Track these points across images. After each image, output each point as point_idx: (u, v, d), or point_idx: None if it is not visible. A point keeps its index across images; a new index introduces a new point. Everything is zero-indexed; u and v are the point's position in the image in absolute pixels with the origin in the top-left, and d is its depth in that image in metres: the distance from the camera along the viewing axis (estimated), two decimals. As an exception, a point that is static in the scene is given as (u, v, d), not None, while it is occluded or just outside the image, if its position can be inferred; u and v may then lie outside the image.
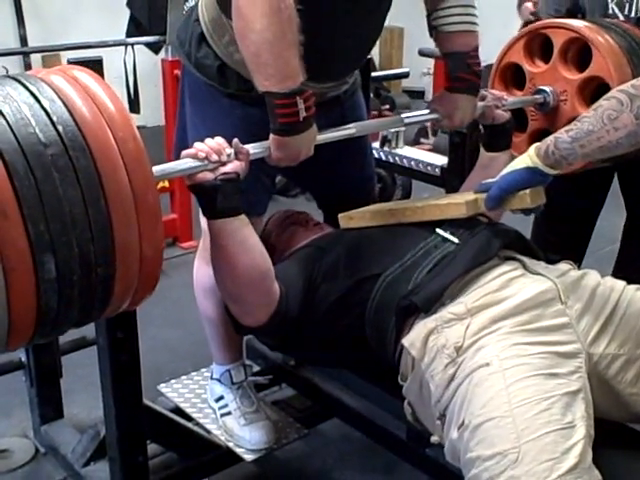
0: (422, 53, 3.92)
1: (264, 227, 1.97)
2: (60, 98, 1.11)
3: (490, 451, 1.30)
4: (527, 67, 2.13)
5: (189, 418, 2.12)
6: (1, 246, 1.01)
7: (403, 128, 2.70)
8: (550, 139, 1.49)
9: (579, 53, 2.04)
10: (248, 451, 2.01)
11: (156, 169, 1.33)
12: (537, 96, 2.08)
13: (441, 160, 2.45)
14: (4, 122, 1.06)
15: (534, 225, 2.48)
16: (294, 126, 1.55)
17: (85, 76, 1.18)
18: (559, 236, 2.41)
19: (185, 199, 3.78)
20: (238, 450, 2.01)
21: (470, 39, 1.87)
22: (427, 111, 1.95)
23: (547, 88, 2.06)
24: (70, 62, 1.63)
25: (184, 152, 1.45)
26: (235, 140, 1.47)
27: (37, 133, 1.06)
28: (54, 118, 1.08)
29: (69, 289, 1.09)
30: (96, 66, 1.66)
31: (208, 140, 1.45)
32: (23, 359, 2.23)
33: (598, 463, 1.31)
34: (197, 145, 1.44)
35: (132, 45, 4.00)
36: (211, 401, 2.11)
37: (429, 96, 6.15)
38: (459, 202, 1.66)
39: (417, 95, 6.69)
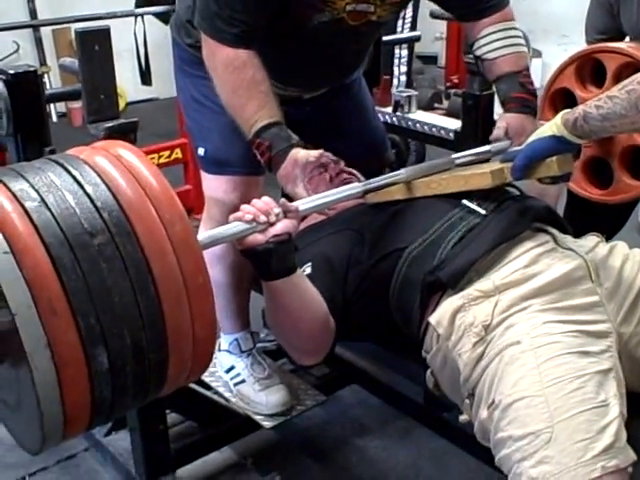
0: (433, 15, 3.84)
1: None
2: (104, 181, 1.08)
3: (522, 431, 1.27)
4: (579, 93, 2.03)
5: (208, 387, 2.14)
6: (52, 342, 0.99)
7: (415, 92, 2.68)
8: (579, 112, 1.43)
9: None
10: (267, 418, 2.03)
11: (203, 237, 1.29)
12: None
13: (455, 124, 2.42)
14: (49, 214, 1.03)
15: (569, 192, 2.40)
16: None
17: (128, 154, 1.14)
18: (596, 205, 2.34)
19: (198, 171, 3.77)
20: (257, 417, 2.02)
21: (518, 60, 1.80)
22: (480, 149, 1.82)
23: None
24: (77, 32, 1.61)
25: (232, 216, 1.40)
26: (282, 199, 1.43)
27: (82, 222, 1.04)
28: (99, 204, 1.06)
29: (123, 379, 1.07)
30: (104, 36, 1.65)
31: (255, 201, 1.40)
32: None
33: (630, 438, 1.29)
34: (244, 207, 1.38)
35: (142, 16, 3.97)
36: (222, 373, 2.13)
37: (442, 61, 6.08)
38: (484, 172, 1.61)
39: (430, 60, 6.62)
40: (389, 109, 2.64)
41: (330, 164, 1.72)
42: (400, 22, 4.70)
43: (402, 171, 1.67)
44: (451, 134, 2.38)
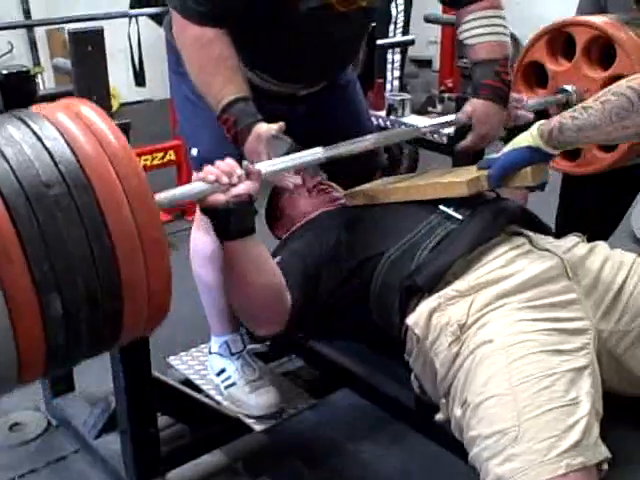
0: (428, 19, 3.85)
1: (273, 188, 1.96)
2: (63, 136, 1.11)
3: (490, 429, 1.29)
4: (549, 66, 2.07)
5: (199, 390, 2.14)
6: (6, 288, 1.01)
7: (409, 96, 2.69)
8: (555, 123, 1.46)
9: (603, 51, 1.97)
10: (257, 421, 2.02)
11: (164, 195, 1.32)
12: (559, 96, 2.02)
13: (448, 129, 2.42)
14: (7, 165, 1.06)
15: (561, 196, 2.42)
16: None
17: (89, 111, 1.17)
18: (589, 209, 2.34)
19: (192, 172, 3.77)
20: (248, 421, 2.02)
21: (497, 48, 1.82)
22: (443, 118, 1.89)
23: (569, 88, 2.01)
24: (70, 33, 1.62)
25: (194, 176, 1.43)
26: (245, 162, 1.45)
27: (39, 174, 1.06)
28: (56, 158, 1.08)
29: (77, 326, 1.09)
30: (97, 37, 1.65)
31: (218, 162, 1.42)
32: (33, 333, 2.23)
33: (609, 439, 1.30)
34: (207, 168, 1.41)
35: (136, 17, 3.97)
36: (213, 376, 2.12)
37: (436, 65, 6.08)
38: (461, 181, 1.65)
39: (424, 64, 6.63)
40: (383, 113, 2.65)
41: (307, 178, 1.80)
42: (392, 27, 4.71)
43: (368, 137, 1.71)
44: (445, 138, 2.38)
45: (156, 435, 1.86)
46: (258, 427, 2.02)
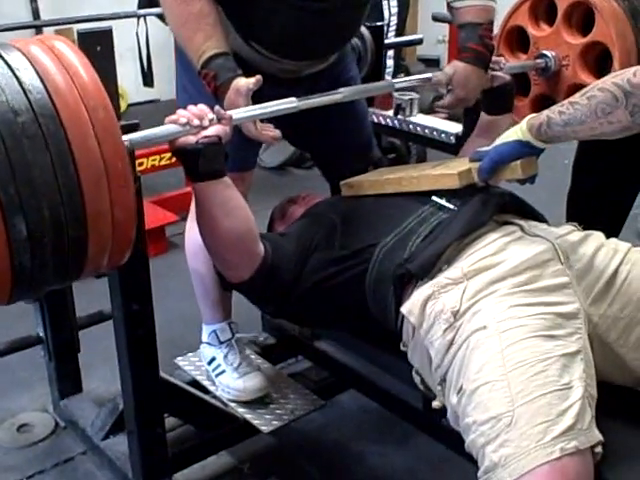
0: (436, 18, 3.84)
1: (270, 218, 2.01)
2: (33, 66, 1.15)
3: (485, 415, 1.30)
4: (531, 30, 2.10)
5: (206, 391, 2.13)
6: None
7: (417, 95, 2.67)
8: (543, 117, 1.48)
9: (583, 17, 2.00)
10: (265, 422, 2.02)
11: (138, 135, 1.38)
12: (538, 61, 2.05)
13: (456, 128, 2.41)
14: None
15: (570, 191, 2.42)
16: None
17: (61, 45, 1.21)
18: (597, 205, 2.34)
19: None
20: (255, 422, 2.02)
21: (482, 13, 1.84)
22: (420, 75, 1.92)
23: (549, 53, 2.04)
24: (79, 33, 1.63)
25: (167, 119, 1.46)
26: (217, 107, 1.49)
27: (8, 101, 1.11)
28: (25, 86, 1.13)
29: (41, 249, 1.14)
30: (106, 37, 1.65)
31: (190, 106, 1.47)
32: (41, 334, 2.24)
33: (602, 427, 1.30)
34: (179, 111, 1.46)
35: (144, 17, 3.97)
36: (205, 365, 2.14)
37: (444, 64, 6.07)
38: (452, 173, 1.68)
39: (432, 63, 6.60)
40: (390, 112, 2.63)
41: (295, 198, 1.94)
42: (384, 30, 4.68)
43: (341, 90, 1.73)
44: (452, 138, 2.37)
45: (163, 436, 1.85)
46: (265, 429, 2.01)
